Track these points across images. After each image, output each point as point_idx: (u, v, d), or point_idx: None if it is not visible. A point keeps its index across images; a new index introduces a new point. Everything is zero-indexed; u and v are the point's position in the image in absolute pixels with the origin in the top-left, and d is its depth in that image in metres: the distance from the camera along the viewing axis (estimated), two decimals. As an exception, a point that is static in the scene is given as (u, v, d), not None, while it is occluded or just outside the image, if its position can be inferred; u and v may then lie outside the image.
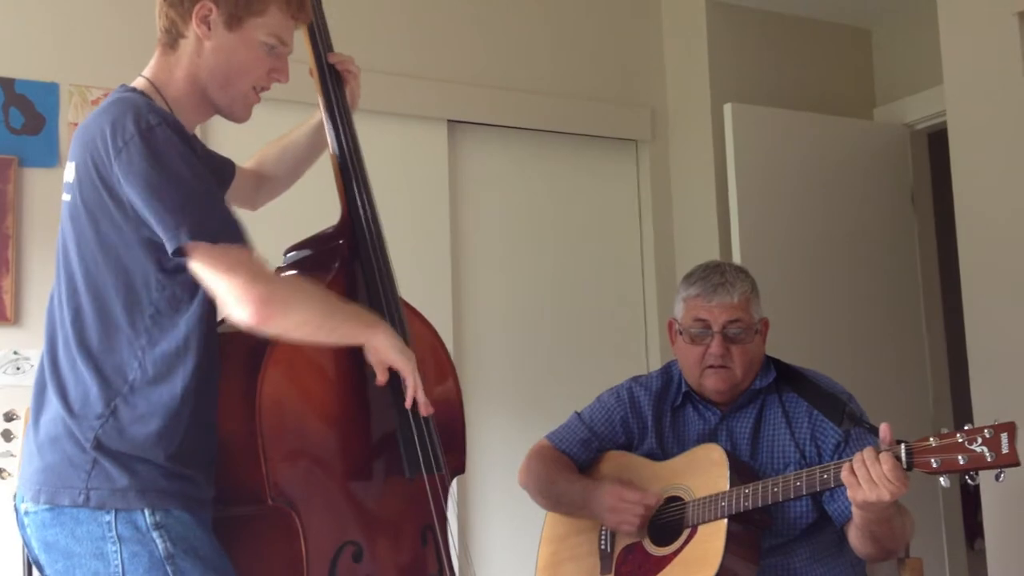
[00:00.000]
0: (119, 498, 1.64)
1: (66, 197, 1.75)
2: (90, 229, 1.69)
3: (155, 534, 1.64)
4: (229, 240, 1.66)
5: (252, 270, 1.66)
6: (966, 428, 1.85)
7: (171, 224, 1.63)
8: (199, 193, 1.66)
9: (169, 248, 1.64)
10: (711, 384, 2.31)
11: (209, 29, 1.79)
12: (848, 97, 4.21)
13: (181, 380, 1.68)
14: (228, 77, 1.82)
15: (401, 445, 1.90)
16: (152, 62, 1.84)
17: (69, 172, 1.75)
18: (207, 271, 1.65)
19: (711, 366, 2.30)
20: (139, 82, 1.81)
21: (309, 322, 1.73)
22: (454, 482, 2.09)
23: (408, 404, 1.84)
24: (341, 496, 1.89)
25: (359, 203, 2.01)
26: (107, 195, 1.67)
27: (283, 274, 2.00)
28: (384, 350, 1.81)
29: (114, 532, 1.64)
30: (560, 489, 2.41)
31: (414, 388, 1.84)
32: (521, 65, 3.85)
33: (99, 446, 1.65)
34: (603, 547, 2.33)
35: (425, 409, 1.86)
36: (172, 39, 1.81)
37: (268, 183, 2.17)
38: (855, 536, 2.12)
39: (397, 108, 3.55)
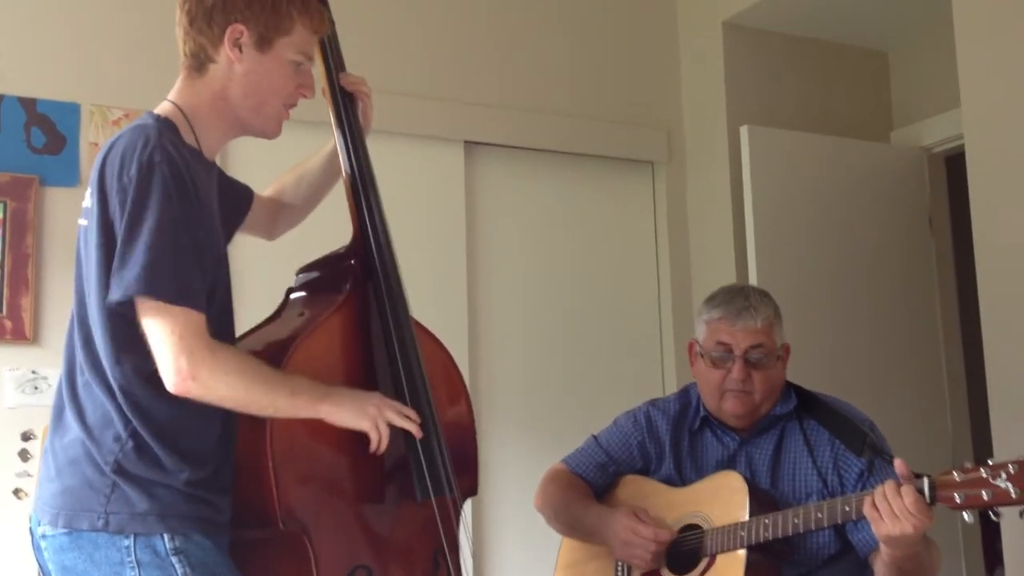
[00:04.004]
0: (139, 522, 1.63)
1: (83, 222, 1.75)
2: (103, 255, 1.68)
3: (174, 559, 1.64)
4: (178, 303, 1.63)
5: (185, 341, 1.62)
6: (990, 463, 1.80)
7: (128, 275, 1.61)
8: (169, 250, 1.63)
9: (117, 296, 1.62)
10: (730, 408, 2.28)
11: (241, 52, 1.79)
12: (865, 120, 4.21)
13: (196, 404, 1.67)
14: (261, 98, 1.82)
15: (412, 468, 1.89)
16: (177, 86, 1.83)
17: (87, 198, 1.75)
18: (148, 328, 1.63)
19: (731, 390, 2.27)
20: (165, 107, 1.81)
21: (233, 400, 1.69)
22: (468, 504, 2.08)
23: (373, 449, 1.79)
24: (352, 520, 1.88)
25: (370, 223, 2.01)
26: (111, 227, 1.66)
27: (238, 345, 1.91)
28: (339, 422, 1.77)
29: (133, 557, 1.63)
30: (575, 514, 2.39)
31: (376, 443, 1.79)
32: (537, 86, 3.86)
33: (119, 470, 1.64)
34: (619, 575, 2.31)
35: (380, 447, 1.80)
36: (200, 63, 1.80)
37: (286, 211, 2.17)
38: (883, 571, 2.07)
39: (414, 129, 3.56)
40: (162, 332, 1.62)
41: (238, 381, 1.68)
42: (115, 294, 1.62)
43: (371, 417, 1.78)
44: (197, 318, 1.65)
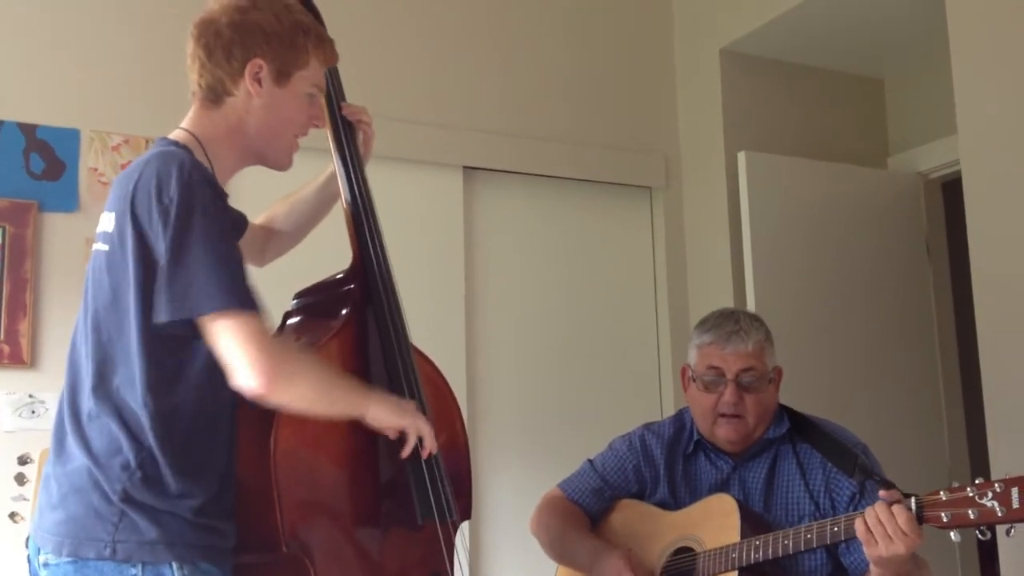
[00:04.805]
0: (147, 551, 1.62)
1: (102, 247, 1.73)
2: (126, 281, 1.67)
3: None
4: (245, 310, 1.65)
5: (263, 343, 1.65)
6: (977, 482, 1.82)
7: (185, 294, 1.62)
8: (225, 263, 1.65)
9: (169, 316, 1.63)
10: (723, 434, 2.29)
11: (260, 86, 1.81)
12: (861, 146, 4.23)
13: (208, 433, 1.69)
14: (276, 130, 1.85)
15: (414, 492, 1.90)
16: (192, 115, 1.85)
17: (107, 222, 1.73)
18: (221, 339, 1.64)
19: (724, 415, 2.28)
20: (180, 135, 1.81)
21: (308, 397, 1.73)
22: (465, 528, 2.08)
23: (406, 455, 1.86)
24: (354, 543, 1.89)
25: (371, 250, 2.03)
26: (147, 250, 1.65)
27: (284, 340, 1.97)
28: (380, 420, 1.82)
29: None
30: (569, 545, 2.39)
31: (412, 445, 1.84)
32: (536, 112, 3.88)
33: (127, 498, 1.63)
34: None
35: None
36: (216, 96, 1.82)
37: (276, 238, 2.19)
38: None
39: (413, 154, 3.59)
40: (236, 339, 1.64)
41: (313, 378, 1.74)
42: (169, 314, 1.62)
43: (411, 415, 1.85)
44: (261, 322, 1.68)
